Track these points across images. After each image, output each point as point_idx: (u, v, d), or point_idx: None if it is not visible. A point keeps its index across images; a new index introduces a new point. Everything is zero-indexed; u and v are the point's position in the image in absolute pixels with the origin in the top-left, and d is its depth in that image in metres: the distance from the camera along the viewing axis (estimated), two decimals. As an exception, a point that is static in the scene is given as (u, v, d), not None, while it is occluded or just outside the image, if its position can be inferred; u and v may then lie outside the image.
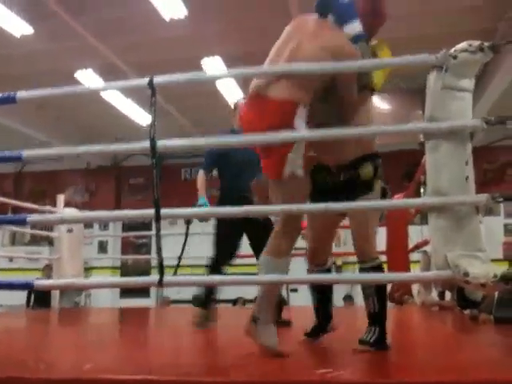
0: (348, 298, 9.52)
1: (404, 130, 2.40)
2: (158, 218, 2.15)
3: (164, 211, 2.18)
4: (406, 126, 2.34)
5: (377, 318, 2.46)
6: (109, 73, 8.17)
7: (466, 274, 1.96)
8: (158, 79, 2.25)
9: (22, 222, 2.36)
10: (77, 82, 8.09)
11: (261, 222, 3.54)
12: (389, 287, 7.66)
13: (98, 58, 7.79)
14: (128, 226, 11.73)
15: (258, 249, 3.84)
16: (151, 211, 2.17)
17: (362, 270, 2.53)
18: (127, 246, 11.73)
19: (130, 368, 2.06)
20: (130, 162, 11.80)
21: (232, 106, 4.19)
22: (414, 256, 5.70)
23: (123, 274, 11.14)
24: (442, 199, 2.08)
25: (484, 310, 3.88)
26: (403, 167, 8.99)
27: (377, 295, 2.46)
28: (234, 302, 9.73)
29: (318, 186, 2.60)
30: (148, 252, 11.33)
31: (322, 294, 2.79)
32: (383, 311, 2.48)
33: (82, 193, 12.49)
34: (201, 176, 3.96)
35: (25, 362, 2.12)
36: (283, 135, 2.17)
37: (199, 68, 7.70)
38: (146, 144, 2.21)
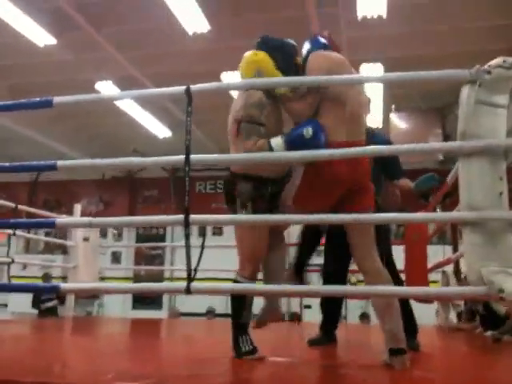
0: (364, 316, 9.46)
1: (435, 148, 2.39)
2: (187, 223, 2.15)
3: (193, 217, 2.17)
4: (438, 144, 2.33)
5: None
6: (128, 84, 8.23)
7: (501, 291, 1.93)
8: (195, 87, 2.27)
9: (51, 225, 2.38)
10: (97, 93, 8.15)
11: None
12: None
13: (117, 69, 7.87)
14: (142, 237, 11.75)
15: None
16: (180, 217, 2.17)
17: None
18: (140, 257, 11.74)
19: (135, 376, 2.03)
20: (144, 173, 11.84)
21: None
22: (433, 276, 5.59)
23: (135, 286, 11.12)
24: (477, 214, 2.05)
25: (507, 331, 3.83)
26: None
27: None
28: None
29: None
30: (161, 263, 11.34)
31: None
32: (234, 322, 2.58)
33: (96, 203, 12.55)
34: None
35: (39, 368, 2.12)
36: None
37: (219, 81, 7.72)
38: (181, 157, 2.22)
